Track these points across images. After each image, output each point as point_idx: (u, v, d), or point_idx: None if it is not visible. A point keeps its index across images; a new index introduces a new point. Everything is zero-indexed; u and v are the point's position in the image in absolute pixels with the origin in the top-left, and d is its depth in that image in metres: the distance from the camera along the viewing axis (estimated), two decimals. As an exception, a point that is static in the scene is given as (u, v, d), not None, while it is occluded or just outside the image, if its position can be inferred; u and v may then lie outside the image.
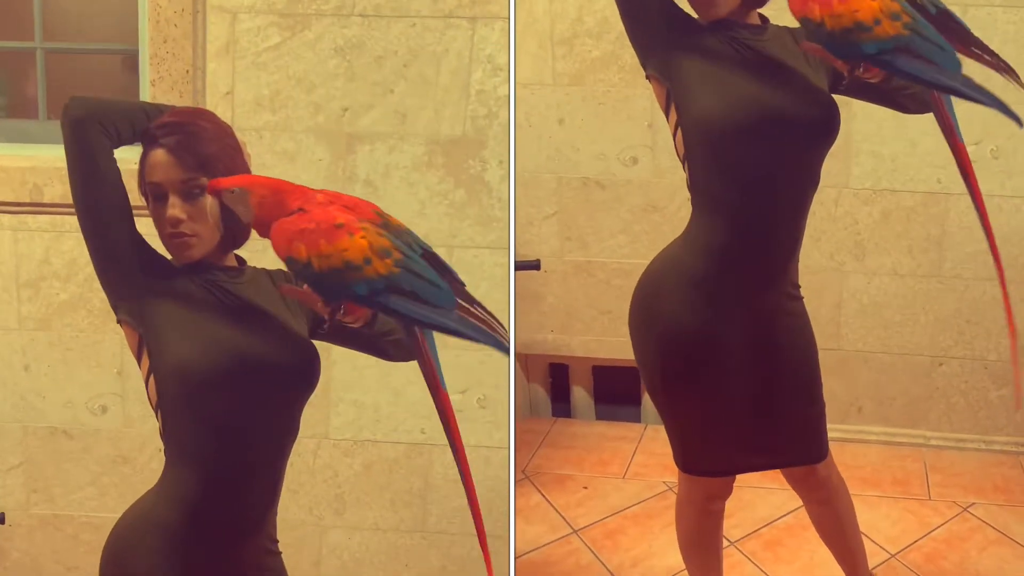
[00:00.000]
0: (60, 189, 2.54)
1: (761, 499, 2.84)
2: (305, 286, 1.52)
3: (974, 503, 2.88)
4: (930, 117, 1.77)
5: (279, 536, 1.65)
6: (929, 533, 2.74)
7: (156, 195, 1.55)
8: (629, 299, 1.93)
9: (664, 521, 2.77)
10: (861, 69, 1.65)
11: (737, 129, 1.72)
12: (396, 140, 2.54)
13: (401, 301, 1.47)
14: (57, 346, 2.64)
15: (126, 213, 1.54)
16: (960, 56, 1.63)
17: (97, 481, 2.69)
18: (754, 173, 1.76)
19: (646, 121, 3.06)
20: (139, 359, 1.55)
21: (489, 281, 2.55)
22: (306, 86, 2.53)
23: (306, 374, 1.59)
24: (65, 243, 2.58)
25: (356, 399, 2.63)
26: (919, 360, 3.14)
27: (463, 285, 1.53)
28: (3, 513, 2.70)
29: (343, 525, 2.68)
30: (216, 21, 2.50)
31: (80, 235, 1.54)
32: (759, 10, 1.80)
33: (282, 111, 2.53)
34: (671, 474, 2.22)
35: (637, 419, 3.39)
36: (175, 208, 1.53)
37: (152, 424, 1.58)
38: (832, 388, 2.81)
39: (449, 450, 1.55)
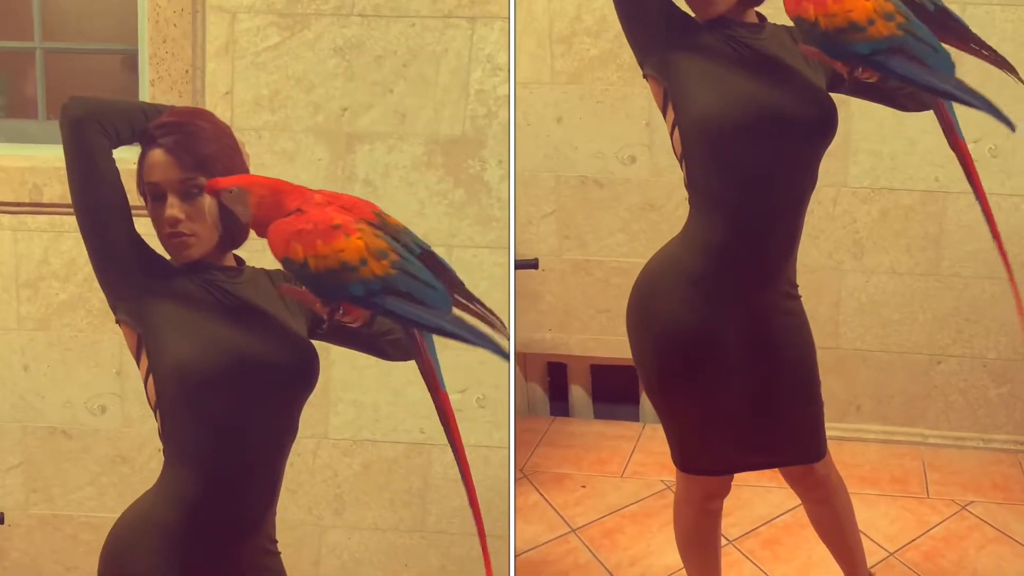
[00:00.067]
0: (59, 189, 2.54)
1: (759, 498, 2.84)
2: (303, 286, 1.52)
3: (972, 501, 2.88)
4: (929, 115, 1.77)
5: (278, 536, 1.65)
6: (928, 531, 2.74)
7: (155, 195, 1.55)
8: (627, 298, 1.93)
9: (662, 520, 2.77)
10: (860, 70, 1.64)
11: (735, 127, 1.72)
12: (395, 140, 2.54)
13: (397, 302, 1.47)
14: (56, 346, 2.64)
15: (125, 213, 1.54)
16: (959, 52, 1.63)
17: (96, 481, 2.69)
18: (752, 172, 1.76)
19: (644, 120, 3.06)
20: (138, 359, 1.55)
21: (489, 281, 2.55)
22: (305, 86, 2.53)
23: (305, 374, 1.59)
24: (64, 243, 2.58)
25: (355, 399, 2.63)
26: (917, 358, 3.13)
27: (462, 284, 1.53)
28: (2, 513, 2.69)
29: (342, 525, 2.68)
30: (215, 21, 2.50)
31: (79, 235, 1.55)
32: (757, 8, 1.80)
33: (281, 111, 2.53)
34: (669, 473, 2.22)
35: (635, 418, 3.39)
36: (174, 208, 1.53)
37: (151, 424, 1.58)
38: (830, 387, 2.81)
39: (448, 450, 1.56)
